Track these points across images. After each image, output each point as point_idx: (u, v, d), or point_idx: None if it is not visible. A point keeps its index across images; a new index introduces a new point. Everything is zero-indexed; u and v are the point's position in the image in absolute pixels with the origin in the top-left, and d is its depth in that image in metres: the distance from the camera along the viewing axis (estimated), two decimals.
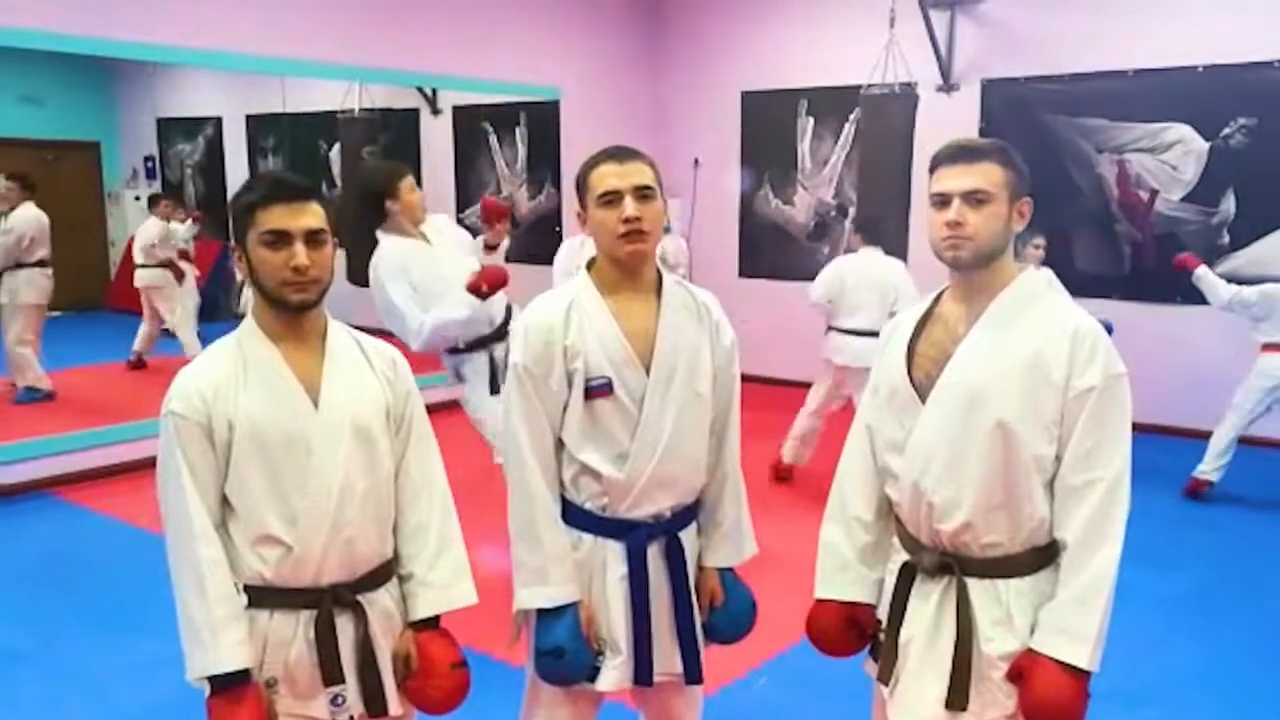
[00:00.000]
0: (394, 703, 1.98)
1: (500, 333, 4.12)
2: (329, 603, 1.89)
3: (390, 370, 2.01)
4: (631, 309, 2.13)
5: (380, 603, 1.97)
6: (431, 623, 2.02)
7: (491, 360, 4.09)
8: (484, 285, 3.82)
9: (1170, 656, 3.73)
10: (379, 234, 3.93)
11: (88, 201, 7.07)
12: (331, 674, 1.89)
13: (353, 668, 1.92)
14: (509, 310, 4.15)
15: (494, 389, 4.01)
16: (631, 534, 2.15)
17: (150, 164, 7.56)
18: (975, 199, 1.84)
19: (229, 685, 1.81)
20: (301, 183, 1.86)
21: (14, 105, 6.58)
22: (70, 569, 4.43)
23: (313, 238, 1.82)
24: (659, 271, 2.21)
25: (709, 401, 2.20)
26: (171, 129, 7.61)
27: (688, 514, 2.24)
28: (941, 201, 1.87)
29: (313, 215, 1.83)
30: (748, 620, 2.35)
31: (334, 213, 1.88)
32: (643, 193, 2.07)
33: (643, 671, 2.18)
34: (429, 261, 3.94)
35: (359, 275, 4.01)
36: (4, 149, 6.60)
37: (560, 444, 2.15)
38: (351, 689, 1.93)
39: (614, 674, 2.17)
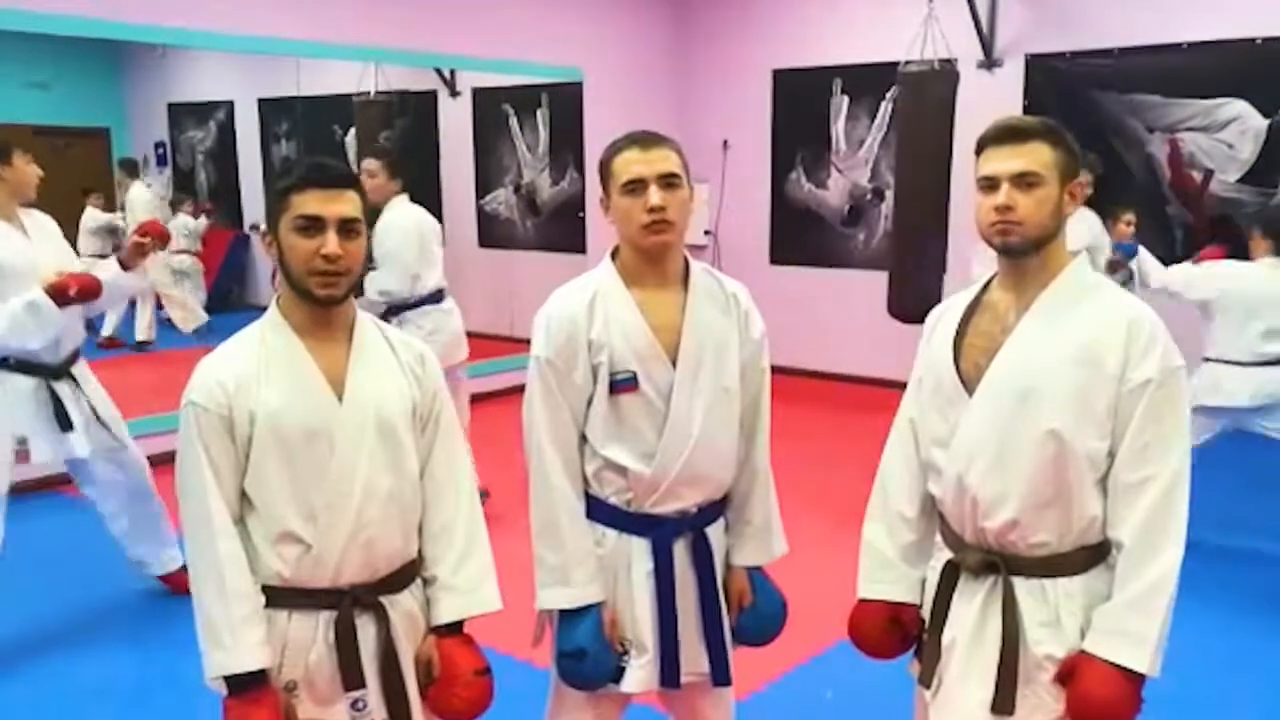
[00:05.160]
0: (417, 709, 1.94)
1: (63, 368, 3.64)
2: (349, 604, 1.86)
3: (418, 366, 1.97)
4: (657, 301, 2.10)
5: (403, 605, 1.94)
6: (455, 628, 1.98)
7: (53, 394, 3.58)
8: (73, 287, 3.40)
9: (1223, 664, 3.56)
10: None
11: (98, 189, 6.95)
12: (352, 678, 1.86)
13: (374, 672, 1.89)
14: (78, 354, 3.71)
15: (63, 424, 3.58)
16: (657, 530, 2.13)
17: (161, 150, 7.49)
18: (1025, 182, 1.80)
19: (247, 686, 1.78)
20: (340, 169, 1.85)
21: (23, 91, 6.48)
22: (79, 569, 4.38)
23: (346, 227, 1.79)
24: (686, 261, 2.16)
25: (738, 396, 2.17)
26: (182, 114, 7.54)
27: (715, 510, 2.22)
28: (989, 184, 1.83)
29: (349, 203, 1.80)
30: (778, 622, 2.32)
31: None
32: (668, 181, 2.03)
33: (669, 672, 2.15)
34: (11, 243, 3.48)
35: None
36: (13, 136, 6.47)
37: (583, 438, 2.13)
38: (373, 693, 1.89)
39: (640, 674, 2.14)
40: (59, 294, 3.39)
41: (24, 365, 3.53)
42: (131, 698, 3.41)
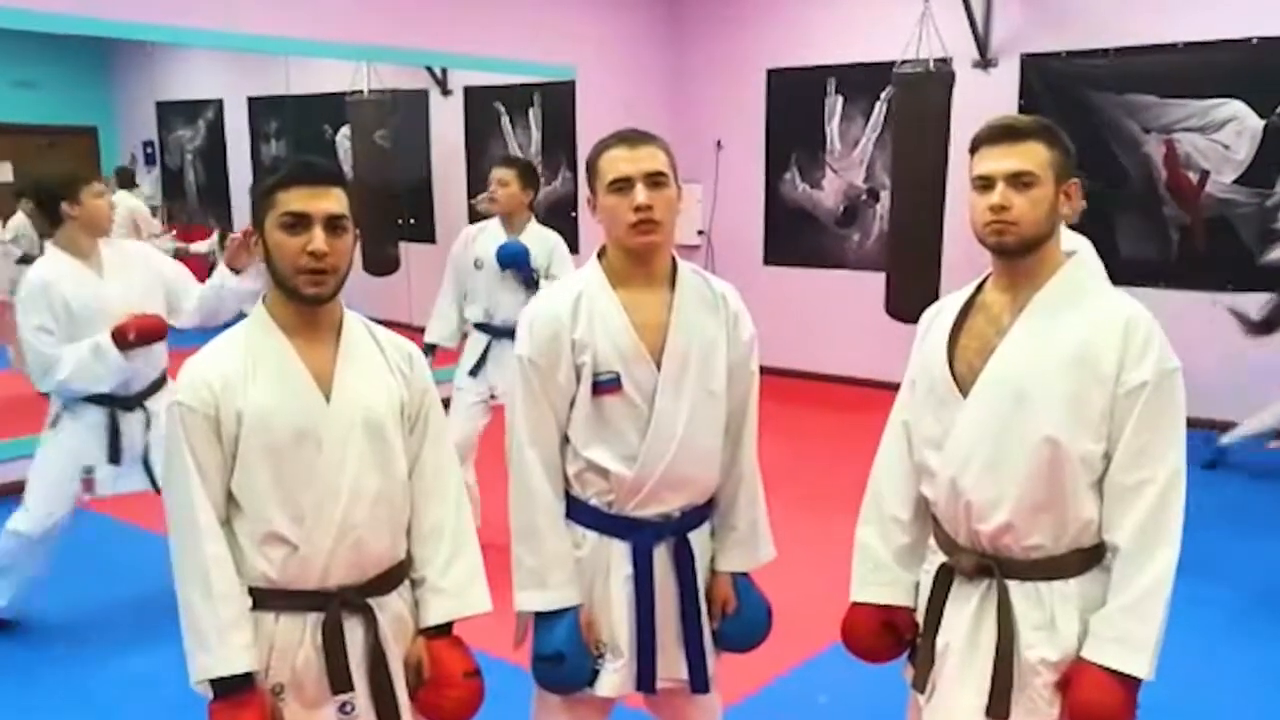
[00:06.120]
0: (406, 712, 1.93)
1: (136, 400, 3.65)
2: (337, 606, 1.84)
3: (406, 366, 1.96)
4: (643, 301, 2.08)
5: (392, 607, 1.92)
6: (444, 630, 1.96)
7: (114, 425, 3.60)
8: (131, 333, 3.42)
9: (1219, 666, 3.55)
10: (47, 245, 3.56)
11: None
12: (340, 681, 1.84)
13: (363, 674, 1.87)
14: (161, 383, 3.69)
15: (115, 457, 3.60)
16: (638, 533, 2.12)
17: (150, 150, 7.41)
18: (1020, 181, 1.79)
19: (233, 689, 1.76)
20: (326, 166, 1.84)
21: (9, 90, 6.39)
22: (70, 570, 4.28)
23: (333, 224, 1.78)
24: (674, 261, 2.14)
25: (724, 399, 2.15)
26: (171, 113, 7.46)
27: (699, 514, 2.20)
28: (984, 184, 1.82)
29: (335, 200, 1.79)
30: (762, 629, 2.30)
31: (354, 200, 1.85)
32: (655, 179, 2.01)
33: (645, 677, 2.14)
34: (81, 285, 3.48)
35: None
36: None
37: (566, 439, 2.12)
38: (362, 696, 1.87)
39: (614, 678, 2.13)
40: (120, 338, 3.40)
41: (96, 396, 3.55)
42: (123, 704, 3.37)
